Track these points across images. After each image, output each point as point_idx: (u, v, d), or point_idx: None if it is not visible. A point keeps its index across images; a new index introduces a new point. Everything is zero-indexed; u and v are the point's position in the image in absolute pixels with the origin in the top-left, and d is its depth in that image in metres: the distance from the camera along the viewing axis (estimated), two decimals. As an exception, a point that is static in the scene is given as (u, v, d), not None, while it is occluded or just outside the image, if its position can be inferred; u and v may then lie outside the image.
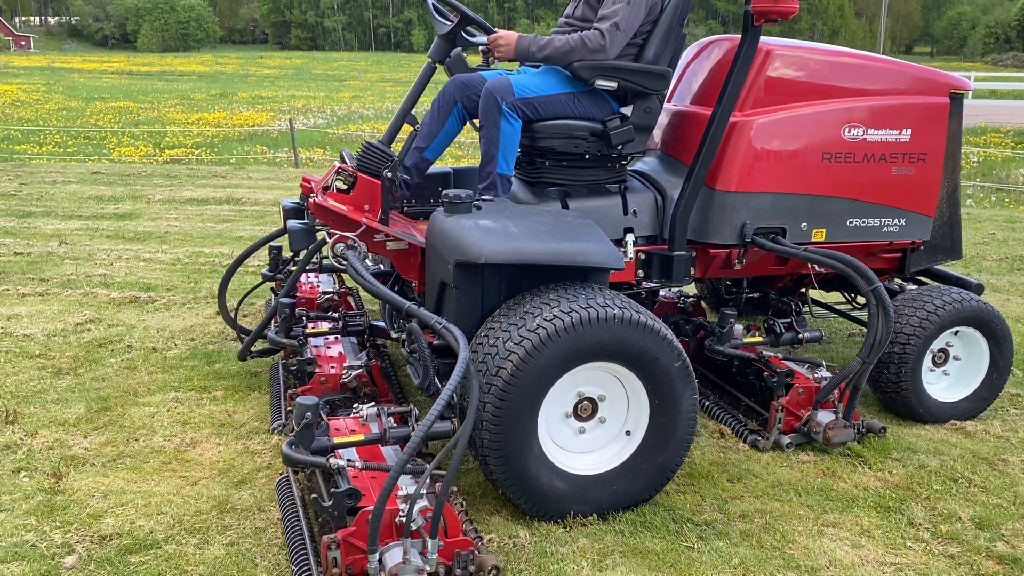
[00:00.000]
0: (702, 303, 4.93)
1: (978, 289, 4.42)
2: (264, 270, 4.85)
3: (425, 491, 2.65)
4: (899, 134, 3.95)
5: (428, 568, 2.56)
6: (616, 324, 3.01)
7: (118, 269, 6.67)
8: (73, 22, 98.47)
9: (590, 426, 3.24)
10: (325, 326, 4.26)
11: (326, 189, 3.68)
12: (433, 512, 2.58)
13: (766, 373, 4.00)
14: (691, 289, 5.42)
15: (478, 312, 3.24)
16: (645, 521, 3.23)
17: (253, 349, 4.31)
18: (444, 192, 3.36)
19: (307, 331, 4.17)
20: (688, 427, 3.25)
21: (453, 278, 3.18)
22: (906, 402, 4.08)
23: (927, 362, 4.09)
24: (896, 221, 4.07)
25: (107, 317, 5.45)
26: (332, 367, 3.90)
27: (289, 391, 3.99)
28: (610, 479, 3.21)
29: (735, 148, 3.76)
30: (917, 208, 4.10)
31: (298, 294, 4.80)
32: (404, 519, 2.56)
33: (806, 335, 4.24)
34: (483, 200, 3.54)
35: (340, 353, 4.06)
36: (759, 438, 3.85)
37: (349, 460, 2.85)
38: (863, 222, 4.01)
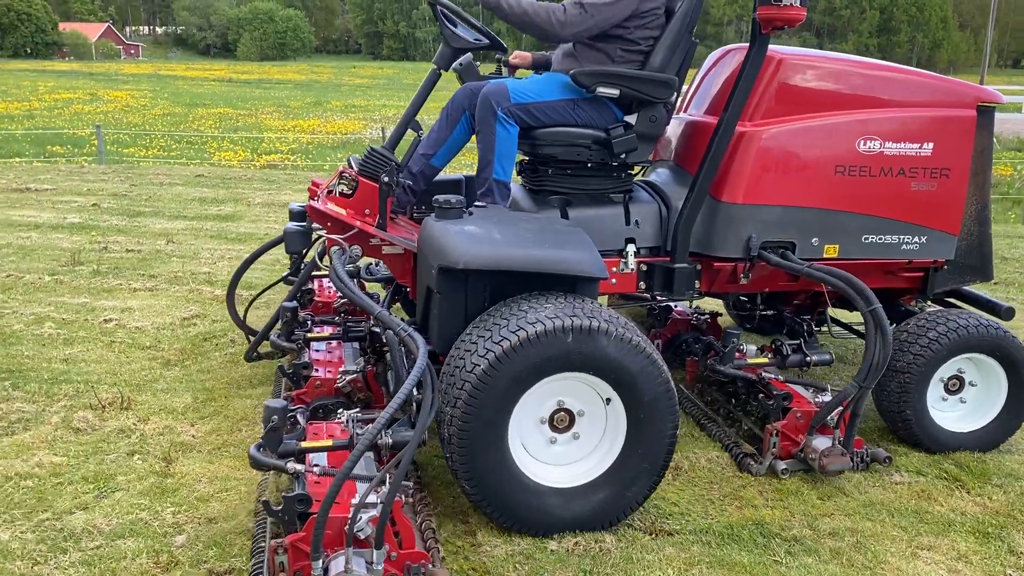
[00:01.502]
0: (718, 321, 4.78)
1: (1007, 314, 4.16)
2: (286, 273, 4.94)
3: (380, 500, 2.57)
4: (920, 148, 3.78)
5: None
6: (587, 335, 2.93)
7: (221, 268, 6.97)
8: (178, 32, 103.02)
9: (564, 439, 3.15)
10: (328, 331, 4.28)
11: (329, 193, 3.70)
12: (378, 521, 2.49)
13: (762, 396, 3.88)
14: (717, 307, 5.28)
15: (461, 319, 3.19)
16: (732, 533, 3.22)
17: (261, 350, 4.39)
18: (435, 197, 3.33)
19: (308, 335, 4.19)
20: (664, 451, 3.12)
21: (437, 283, 3.17)
22: (908, 429, 3.89)
23: (935, 389, 3.90)
24: (916, 239, 3.89)
25: (211, 313, 5.71)
26: (328, 371, 3.84)
27: (284, 394, 3.94)
28: (577, 495, 3.12)
29: (743, 159, 3.65)
30: (939, 226, 3.91)
31: (316, 298, 4.85)
32: (358, 527, 2.51)
33: (814, 358, 4.05)
34: (477, 206, 3.52)
35: (340, 358, 4.02)
36: (752, 462, 3.70)
37: (315, 465, 2.87)
38: (880, 239, 3.85)
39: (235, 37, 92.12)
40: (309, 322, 4.39)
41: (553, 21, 3.51)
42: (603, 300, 4.60)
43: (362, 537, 2.50)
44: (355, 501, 2.53)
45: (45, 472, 3.46)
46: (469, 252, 3.00)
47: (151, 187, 11.18)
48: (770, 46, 3.65)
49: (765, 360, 4.04)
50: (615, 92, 3.57)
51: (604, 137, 3.67)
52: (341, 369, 3.82)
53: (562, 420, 3.12)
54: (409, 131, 3.77)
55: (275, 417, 2.81)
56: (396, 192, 3.74)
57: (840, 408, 3.51)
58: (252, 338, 4.50)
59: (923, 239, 3.89)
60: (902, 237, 3.87)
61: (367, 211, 3.61)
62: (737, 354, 4.03)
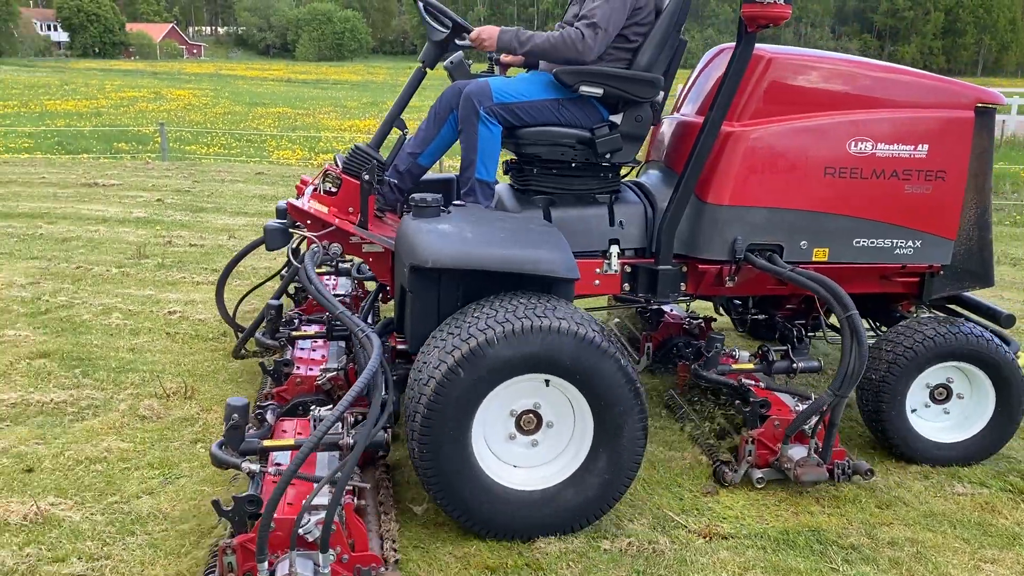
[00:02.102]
0: (712, 326, 4.69)
1: (1007, 321, 4.03)
2: (284, 270, 5.01)
3: (338, 503, 2.52)
4: (914, 149, 3.66)
5: None
6: (554, 337, 2.89)
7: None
8: (239, 32, 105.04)
9: (531, 441, 3.10)
10: (315, 329, 4.26)
11: (315, 191, 3.68)
12: (323, 525, 2.48)
13: (738, 402, 3.81)
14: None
15: (434, 318, 3.16)
16: (788, 539, 3.19)
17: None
18: (411, 196, 3.31)
19: (293, 333, 4.20)
20: (633, 456, 3.06)
21: (408, 282, 3.15)
22: (887, 437, 3.80)
23: (916, 396, 3.79)
24: (910, 243, 3.77)
25: (271, 307, 5.82)
26: (311, 369, 3.81)
27: (264, 391, 3.88)
28: (541, 501, 3.06)
29: (729, 160, 3.58)
30: (934, 230, 3.79)
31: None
32: (304, 529, 2.51)
33: (801, 364, 3.94)
34: (455, 205, 3.48)
35: (323, 356, 4.00)
36: (727, 470, 3.60)
37: (279, 464, 2.87)
38: (872, 243, 3.73)
39: (294, 38, 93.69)
40: (296, 320, 4.39)
41: (579, 49, 3.47)
42: (603, 301, 4.65)
43: (310, 539, 2.50)
44: (306, 502, 2.53)
45: (114, 457, 3.59)
46: (438, 250, 2.98)
47: (213, 184, 11.45)
48: (762, 45, 3.63)
49: (750, 366, 3.97)
50: (599, 91, 3.51)
51: (589, 137, 3.61)
52: (322, 367, 3.80)
53: (529, 422, 3.08)
54: (395, 130, 3.74)
55: (235, 415, 2.81)
56: (383, 190, 3.74)
57: (817, 417, 3.42)
58: (240, 335, 4.57)
59: (918, 243, 3.78)
60: (895, 241, 3.76)
61: (351, 209, 3.58)
62: (726, 359, 3.99)
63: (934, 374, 3.77)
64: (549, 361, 2.92)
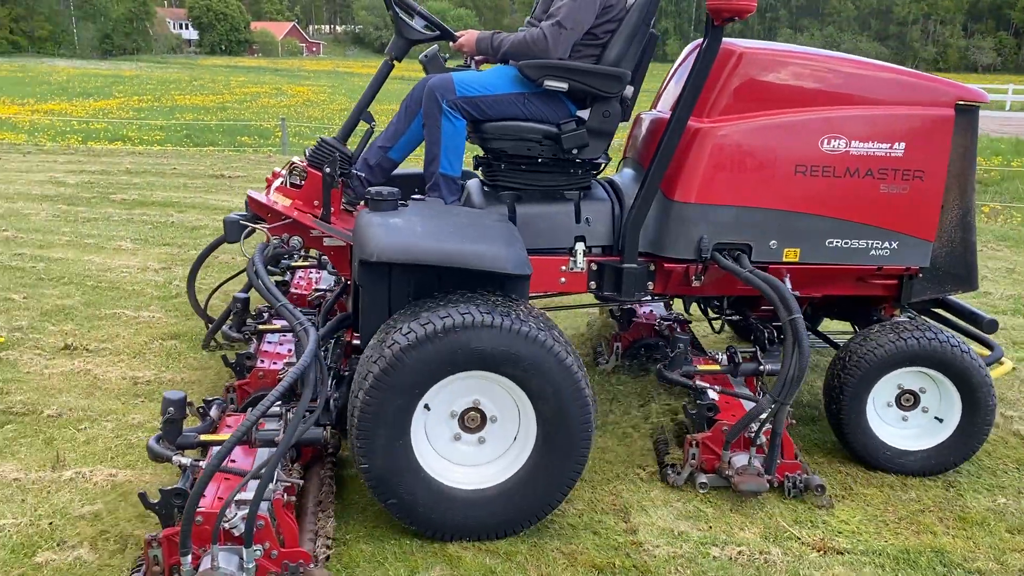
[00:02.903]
0: (689, 327, 4.57)
1: (990, 326, 3.92)
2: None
3: (261, 498, 2.55)
4: (890, 148, 3.52)
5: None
6: (488, 332, 2.84)
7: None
8: (356, 31, 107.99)
9: (476, 439, 3.08)
10: (281, 323, 4.22)
11: (281, 183, 3.71)
12: (247, 520, 2.51)
13: (685, 404, 3.70)
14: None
15: (384, 314, 3.13)
16: (909, 559, 3.09)
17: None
18: (368, 189, 3.30)
19: (260, 327, 4.19)
20: (577, 454, 3.02)
21: (358, 276, 3.14)
22: (847, 441, 3.73)
23: (878, 400, 3.69)
24: (886, 244, 3.63)
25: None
26: (274, 363, 3.80)
27: (226, 384, 3.88)
28: (482, 502, 3.04)
29: (696, 157, 3.49)
30: (912, 231, 3.63)
31: (292, 289, 4.86)
32: (227, 524, 2.54)
33: (768, 367, 3.81)
34: (414, 199, 3.44)
35: (289, 350, 3.98)
36: (671, 472, 3.53)
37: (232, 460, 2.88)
38: (846, 243, 3.60)
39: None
40: (265, 314, 4.40)
41: (541, 48, 3.46)
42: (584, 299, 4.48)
43: (236, 534, 2.54)
44: (242, 496, 2.58)
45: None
46: (383, 245, 2.94)
47: (330, 177, 11.80)
48: (735, 40, 3.60)
49: (716, 367, 3.87)
50: (563, 85, 3.47)
51: (555, 132, 3.55)
52: (285, 361, 3.81)
53: (473, 420, 3.06)
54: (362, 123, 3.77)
55: (171, 408, 2.87)
56: (352, 184, 3.75)
57: (759, 424, 3.34)
58: (210, 327, 4.67)
59: (894, 245, 3.64)
60: (870, 242, 3.62)
61: (316, 202, 3.58)
62: (704, 360, 3.94)
63: (899, 379, 3.67)
64: (487, 358, 2.89)
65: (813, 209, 3.55)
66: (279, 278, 5.10)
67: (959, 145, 3.63)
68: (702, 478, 3.47)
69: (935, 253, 3.73)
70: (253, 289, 4.17)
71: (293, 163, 3.73)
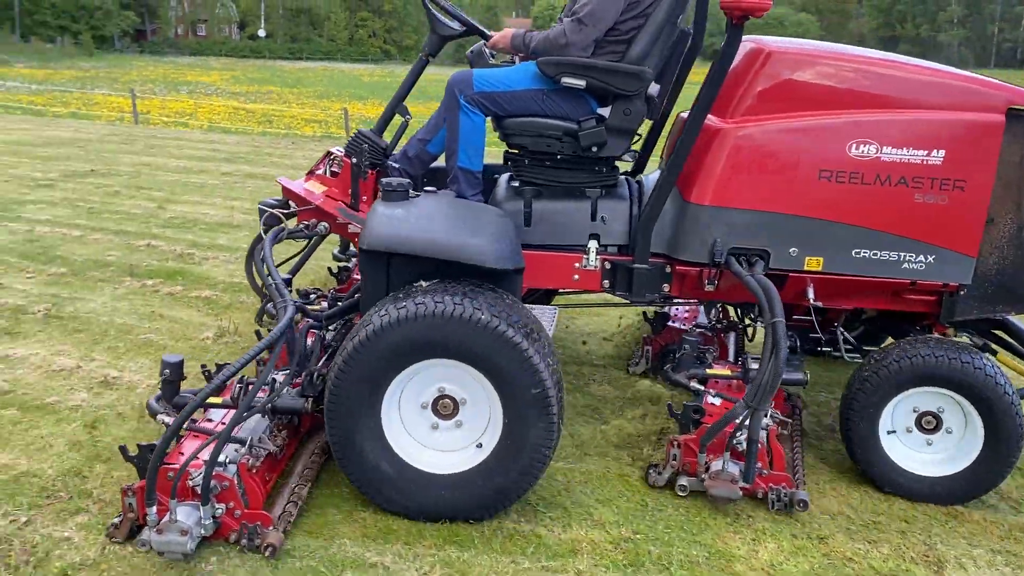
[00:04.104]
0: (722, 336, 4.33)
1: None
2: (335, 251, 5.22)
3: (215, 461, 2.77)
4: (927, 155, 3.28)
5: (201, 531, 2.77)
6: (452, 322, 2.92)
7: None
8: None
9: (447, 425, 3.16)
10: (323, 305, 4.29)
11: (315, 172, 3.87)
12: (203, 479, 2.73)
13: (669, 403, 3.66)
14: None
15: None
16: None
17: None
18: (382, 180, 3.38)
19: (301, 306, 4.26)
20: (537, 455, 3.06)
21: (360, 263, 3.27)
22: (856, 459, 3.61)
23: (894, 421, 3.53)
24: (921, 258, 3.39)
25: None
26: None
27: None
28: (447, 485, 3.12)
29: (714, 158, 3.38)
30: (950, 245, 3.38)
31: (355, 276, 4.80)
32: (193, 482, 2.77)
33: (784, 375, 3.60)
34: (426, 191, 3.51)
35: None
36: (652, 472, 3.51)
37: (211, 420, 3.15)
38: (875, 254, 3.40)
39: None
40: (311, 295, 4.53)
41: (561, 44, 3.46)
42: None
43: (200, 491, 2.78)
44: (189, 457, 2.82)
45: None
46: (376, 234, 3.10)
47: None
48: (764, 38, 3.46)
49: (727, 372, 3.74)
50: (581, 83, 3.45)
51: (576, 129, 3.54)
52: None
53: (446, 407, 3.15)
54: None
55: (168, 371, 3.16)
56: (391, 174, 3.86)
57: (731, 429, 3.25)
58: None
59: (930, 259, 3.40)
60: (903, 255, 3.40)
61: (351, 190, 3.77)
62: (718, 364, 3.86)
63: (911, 399, 3.48)
64: (449, 346, 2.99)
65: (838, 217, 3.39)
66: (345, 264, 5.28)
67: (1013, 154, 3.36)
68: (682, 480, 3.44)
69: (983, 270, 3.49)
70: (295, 272, 4.50)
71: (332, 153, 3.98)
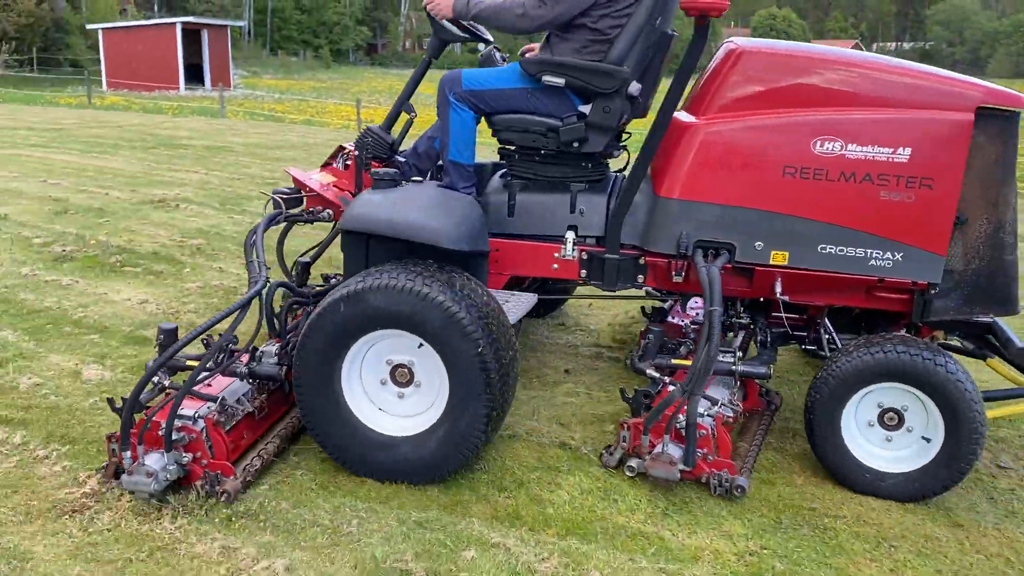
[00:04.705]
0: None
1: (1018, 355, 3.64)
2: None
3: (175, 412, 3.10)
4: (892, 153, 3.30)
5: (165, 475, 3.05)
6: (399, 295, 3.16)
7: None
8: (926, 47, 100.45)
9: (402, 393, 3.40)
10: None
11: (325, 165, 4.19)
12: (166, 429, 3.06)
13: (622, 388, 3.84)
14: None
15: None
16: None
17: None
18: (373, 171, 3.63)
19: (317, 289, 4.41)
20: (476, 423, 3.24)
21: (342, 244, 3.57)
22: (819, 455, 3.59)
23: (855, 418, 3.51)
24: (888, 255, 3.40)
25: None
26: None
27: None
28: (405, 446, 3.34)
29: (683, 154, 3.51)
30: (918, 243, 3.37)
31: None
32: (162, 432, 3.07)
33: (742, 368, 3.72)
34: (413, 181, 3.75)
35: None
36: (605, 453, 3.66)
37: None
38: (840, 250, 3.42)
39: (988, 52, 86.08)
40: (331, 279, 4.64)
41: (516, 14, 3.60)
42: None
43: (173, 439, 3.11)
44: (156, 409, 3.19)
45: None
46: (351, 215, 3.43)
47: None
48: (739, 39, 3.57)
49: (689, 362, 3.67)
50: (560, 81, 3.61)
51: (559, 126, 3.69)
52: None
53: (403, 375, 3.38)
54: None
55: (162, 336, 3.44)
56: (404, 169, 4.15)
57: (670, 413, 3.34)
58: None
59: (897, 256, 3.39)
60: (870, 251, 3.40)
61: (356, 181, 4.06)
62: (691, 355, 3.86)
63: (881, 395, 3.46)
64: (401, 318, 3.21)
65: (803, 212, 3.43)
66: None
67: (986, 154, 3.34)
68: (632, 462, 3.53)
69: (958, 270, 3.47)
70: (315, 259, 4.73)
71: (343, 147, 4.34)
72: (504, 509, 3.31)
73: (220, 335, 3.48)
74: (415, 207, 3.50)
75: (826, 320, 3.99)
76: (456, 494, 3.39)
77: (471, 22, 3.98)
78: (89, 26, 36.27)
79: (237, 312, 3.32)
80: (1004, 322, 3.87)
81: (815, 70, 3.46)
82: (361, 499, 3.31)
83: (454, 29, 4.07)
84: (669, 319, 4.69)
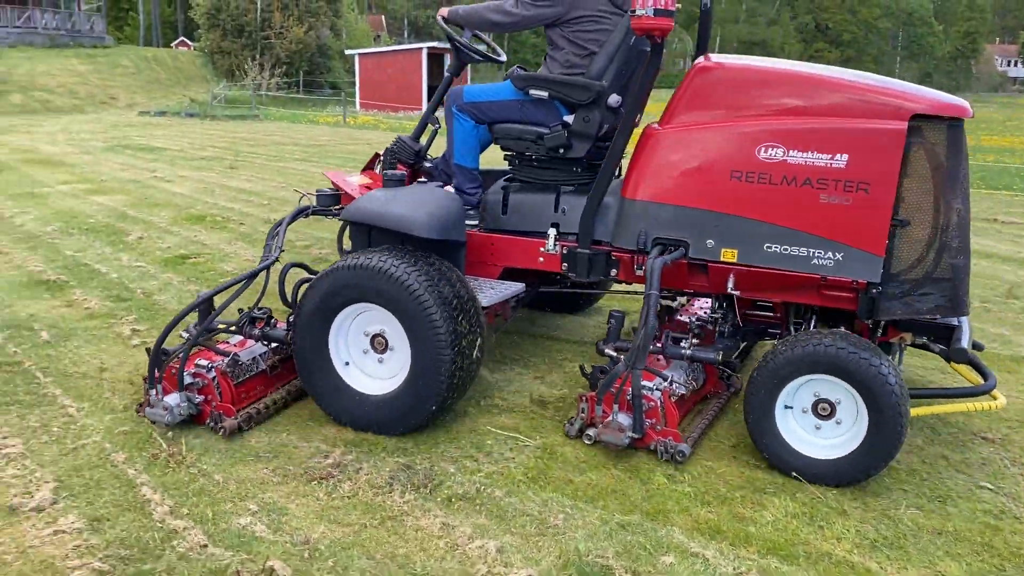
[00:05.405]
0: (713, 328, 4.36)
1: (956, 354, 3.76)
2: None
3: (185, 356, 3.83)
4: (831, 159, 3.50)
5: (179, 412, 3.70)
6: (367, 273, 3.69)
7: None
8: None
9: (380, 358, 3.92)
10: None
11: (365, 169, 4.82)
12: (178, 372, 3.74)
13: (581, 365, 4.31)
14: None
15: None
16: None
17: None
18: (384, 172, 4.16)
19: None
20: (435, 391, 3.69)
21: (350, 231, 4.09)
22: (757, 441, 3.75)
23: (788, 405, 3.68)
24: (829, 254, 3.58)
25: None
26: None
27: None
28: (378, 404, 3.83)
29: (645, 159, 3.86)
30: (856, 243, 3.53)
31: None
32: (175, 375, 3.73)
33: (691, 352, 4.01)
34: (420, 182, 4.20)
35: None
36: (567, 424, 3.98)
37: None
38: (785, 249, 3.64)
39: None
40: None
41: (492, 10, 4.16)
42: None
43: (187, 382, 3.79)
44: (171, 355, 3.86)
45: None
46: (351, 208, 3.99)
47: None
48: (710, 55, 3.90)
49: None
50: (544, 94, 4.13)
51: (546, 133, 4.15)
52: None
53: (380, 343, 3.88)
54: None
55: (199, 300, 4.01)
56: (435, 174, 4.76)
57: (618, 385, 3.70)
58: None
59: (838, 255, 3.56)
60: (811, 251, 3.59)
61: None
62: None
63: (818, 385, 3.62)
64: (372, 292, 3.71)
65: (749, 213, 3.68)
66: None
67: (924, 160, 3.48)
68: (589, 431, 3.84)
69: (903, 271, 3.59)
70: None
71: (379, 154, 4.93)
72: (706, 522, 3.34)
73: (260, 308, 4.18)
74: (403, 202, 3.98)
75: (792, 316, 4.22)
76: (659, 503, 3.47)
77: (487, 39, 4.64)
78: (347, 51, 40.01)
79: (244, 282, 4.03)
80: (969, 324, 3.96)
81: (764, 82, 3.74)
82: (568, 496, 3.48)
83: (472, 52, 4.62)
84: (678, 317, 4.99)
